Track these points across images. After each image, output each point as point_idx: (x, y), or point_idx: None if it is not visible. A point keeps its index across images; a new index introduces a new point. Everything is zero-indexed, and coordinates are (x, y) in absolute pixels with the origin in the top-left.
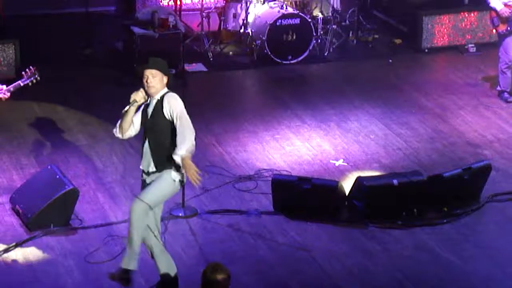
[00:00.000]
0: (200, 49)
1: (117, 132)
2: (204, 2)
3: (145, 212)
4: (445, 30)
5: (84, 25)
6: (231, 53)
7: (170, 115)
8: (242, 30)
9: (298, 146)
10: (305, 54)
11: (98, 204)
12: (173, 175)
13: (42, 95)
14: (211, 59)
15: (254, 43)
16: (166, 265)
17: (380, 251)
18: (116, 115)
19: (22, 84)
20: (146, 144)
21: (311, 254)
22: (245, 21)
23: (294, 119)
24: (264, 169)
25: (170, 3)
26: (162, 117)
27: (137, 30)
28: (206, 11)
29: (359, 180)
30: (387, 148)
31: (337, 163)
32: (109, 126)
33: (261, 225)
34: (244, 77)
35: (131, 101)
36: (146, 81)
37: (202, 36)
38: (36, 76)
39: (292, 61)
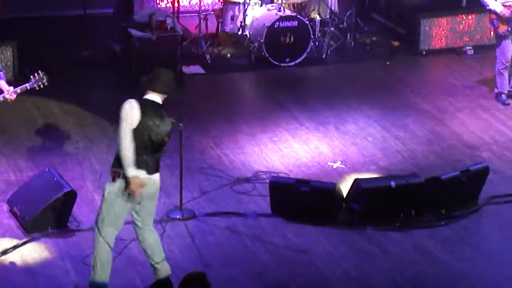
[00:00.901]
0: (198, 51)
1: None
2: (202, 4)
3: None
4: (443, 32)
5: (82, 27)
6: (229, 55)
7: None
8: (240, 33)
9: (296, 148)
10: (303, 56)
11: (96, 206)
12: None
13: (40, 98)
14: (209, 61)
15: (252, 45)
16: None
17: (379, 253)
18: (114, 116)
19: (29, 87)
20: None
21: (309, 256)
22: (243, 24)
23: (292, 121)
24: (262, 171)
25: (168, 5)
26: None
27: (134, 32)
28: (204, 13)
29: (357, 182)
30: (385, 150)
31: (335, 165)
32: (107, 129)
33: (259, 228)
34: (242, 79)
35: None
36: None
37: (200, 38)
38: (44, 81)
39: (290, 64)
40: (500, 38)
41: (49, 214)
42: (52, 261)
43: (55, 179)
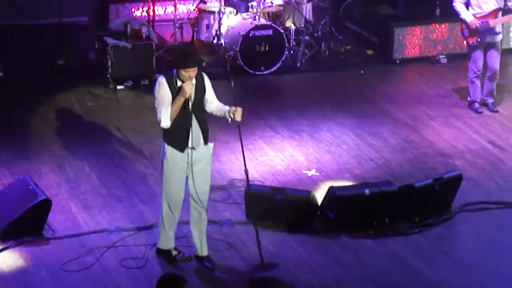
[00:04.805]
0: None
1: (167, 121)
2: (177, 13)
3: None
4: (416, 41)
5: (58, 35)
6: (204, 63)
7: (208, 91)
8: (215, 41)
9: (271, 156)
10: (278, 65)
11: (71, 215)
12: (211, 148)
13: (15, 106)
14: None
15: (227, 54)
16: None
17: (353, 261)
18: (90, 125)
19: None
20: (194, 122)
21: (284, 264)
22: (218, 32)
23: (267, 130)
24: (237, 179)
25: (143, 14)
26: (203, 94)
27: (110, 40)
28: (179, 22)
29: (331, 190)
30: (359, 158)
31: (309, 173)
32: (82, 137)
33: (234, 235)
34: (217, 87)
35: (188, 93)
36: (190, 75)
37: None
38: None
39: (265, 72)
40: (470, 48)
41: (24, 222)
42: (27, 269)
43: (30, 187)
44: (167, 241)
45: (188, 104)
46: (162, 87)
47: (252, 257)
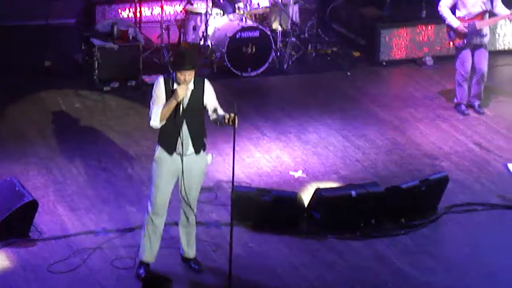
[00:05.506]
0: (160, 61)
1: (156, 121)
2: (164, 14)
3: None
4: (403, 43)
5: (44, 37)
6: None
7: (207, 99)
8: (202, 43)
9: (257, 157)
10: (265, 66)
11: (58, 216)
12: (208, 160)
13: (2, 107)
14: (171, 71)
15: (214, 55)
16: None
17: (339, 262)
18: (76, 126)
19: None
20: (185, 129)
21: (271, 265)
22: (204, 34)
23: (254, 131)
24: (224, 181)
25: (130, 15)
26: (201, 101)
27: (96, 42)
28: (166, 23)
29: (318, 191)
30: (345, 159)
31: (296, 175)
32: (69, 138)
33: (221, 237)
34: None
35: (180, 97)
36: (185, 79)
37: (162, 48)
38: None
39: (251, 74)
40: (458, 50)
41: (11, 224)
42: (13, 271)
43: (17, 188)
44: (149, 254)
45: (179, 109)
46: (158, 86)
47: (238, 258)
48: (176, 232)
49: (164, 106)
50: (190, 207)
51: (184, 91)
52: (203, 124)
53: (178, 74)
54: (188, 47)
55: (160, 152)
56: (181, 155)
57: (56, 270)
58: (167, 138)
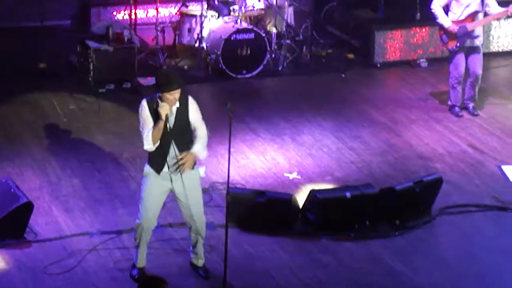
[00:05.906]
0: (155, 63)
1: (149, 144)
2: (159, 16)
3: None
4: (397, 45)
5: (39, 38)
6: (186, 67)
7: (191, 116)
8: (197, 45)
9: (252, 159)
10: (260, 68)
11: (53, 217)
12: (200, 172)
13: None
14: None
15: (209, 57)
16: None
17: (334, 263)
18: (71, 128)
19: None
20: (172, 148)
21: (265, 267)
22: (200, 36)
23: (249, 133)
24: (219, 182)
25: (125, 17)
26: (186, 119)
27: (92, 44)
28: (161, 25)
29: (312, 193)
30: (340, 161)
31: (291, 176)
32: (64, 140)
33: (216, 238)
34: (199, 91)
35: (163, 116)
36: (175, 97)
37: (157, 50)
38: None
39: (246, 76)
40: (451, 53)
41: (6, 225)
42: (9, 272)
43: (12, 190)
44: (141, 258)
45: (167, 128)
46: (143, 109)
47: (234, 260)
48: (171, 234)
49: (153, 127)
50: (196, 222)
51: (167, 109)
52: (192, 141)
53: (167, 95)
54: (168, 69)
55: (148, 169)
56: (170, 174)
57: (51, 271)
58: (155, 158)
